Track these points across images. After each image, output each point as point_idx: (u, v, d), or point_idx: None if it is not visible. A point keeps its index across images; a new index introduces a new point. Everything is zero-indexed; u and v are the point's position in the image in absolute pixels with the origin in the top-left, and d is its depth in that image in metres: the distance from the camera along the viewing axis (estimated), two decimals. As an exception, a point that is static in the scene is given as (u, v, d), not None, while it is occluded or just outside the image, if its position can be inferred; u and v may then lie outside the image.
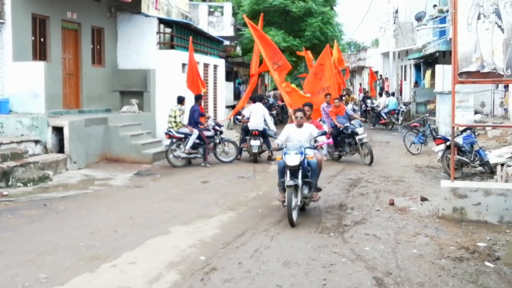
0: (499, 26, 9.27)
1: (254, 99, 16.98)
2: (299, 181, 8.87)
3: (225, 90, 26.30)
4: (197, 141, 15.29)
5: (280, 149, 9.20)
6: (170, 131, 15.41)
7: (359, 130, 15.67)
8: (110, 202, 10.74)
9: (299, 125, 9.39)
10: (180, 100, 15.92)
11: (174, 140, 15.32)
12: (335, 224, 9.03)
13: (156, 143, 16.91)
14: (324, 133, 9.50)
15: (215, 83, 23.78)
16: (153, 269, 6.77)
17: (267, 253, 7.43)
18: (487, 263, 7.05)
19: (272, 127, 16.54)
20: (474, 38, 9.38)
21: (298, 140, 9.22)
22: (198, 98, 16.24)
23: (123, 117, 17.08)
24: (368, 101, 30.70)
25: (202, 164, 15.24)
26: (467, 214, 9.17)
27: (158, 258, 7.19)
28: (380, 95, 31.58)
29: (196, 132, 15.25)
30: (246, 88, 22.09)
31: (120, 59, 18.95)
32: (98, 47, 18.12)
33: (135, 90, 18.60)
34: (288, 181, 8.79)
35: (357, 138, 15.70)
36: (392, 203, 10.44)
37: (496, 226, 8.88)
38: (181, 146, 15.29)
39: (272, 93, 33.69)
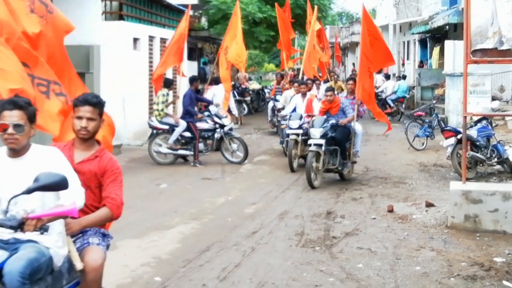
0: (521, -7, 9.38)
1: (216, 80, 17.41)
2: None
3: (188, 71, 26.21)
4: (188, 134, 15.38)
5: None
6: (152, 120, 15.84)
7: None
8: (43, 210, 10.63)
9: (14, 153, 4.50)
10: (167, 83, 16.09)
11: (155, 131, 15.55)
12: (321, 236, 9.08)
13: (101, 137, 16.82)
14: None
15: (174, 62, 23.68)
16: (97, 293, 6.73)
17: (237, 272, 7.44)
18: (505, 283, 7.13)
19: (235, 111, 17.41)
20: (491, 7, 9.47)
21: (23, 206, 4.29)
22: (192, 80, 16.26)
23: (60, 105, 16.91)
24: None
25: (192, 164, 15.29)
26: (482, 223, 9.28)
27: (103, 280, 7.14)
28: (387, 77, 31.54)
29: (183, 124, 15.33)
30: (214, 68, 22.15)
31: (55, 33, 18.73)
32: (28, 17, 17.88)
33: (75, 71, 18.42)
34: None
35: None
36: (391, 210, 10.52)
37: (517, 237, 9.01)
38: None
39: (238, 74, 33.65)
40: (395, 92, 27.91)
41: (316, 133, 12.77)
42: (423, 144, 18.02)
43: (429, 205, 10.75)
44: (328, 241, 8.81)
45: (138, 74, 19.62)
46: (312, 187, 12.45)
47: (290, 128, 14.62)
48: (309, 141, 12.97)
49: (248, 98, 28.88)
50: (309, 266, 7.69)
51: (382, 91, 28.99)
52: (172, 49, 16.80)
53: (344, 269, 7.56)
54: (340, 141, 13.07)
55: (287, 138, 14.96)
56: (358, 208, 10.88)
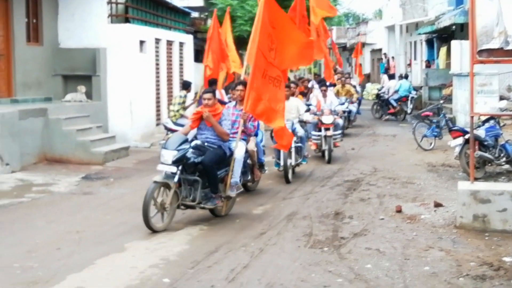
0: (527, -7, 9.37)
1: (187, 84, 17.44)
2: None
3: (194, 73, 26.24)
4: None
5: None
6: (167, 122, 16.03)
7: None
8: (51, 213, 10.67)
9: None
10: (185, 86, 16.14)
11: (170, 133, 15.53)
12: (330, 236, 9.07)
13: (108, 139, 16.82)
14: None
15: (181, 64, 23.74)
16: (105, 295, 6.75)
17: (246, 273, 7.43)
18: (514, 282, 7.13)
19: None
20: (496, 7, 9.47)
21: None
22: (211, 83, 16.15)
23: (67, 108, 16.96)
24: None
25: None
26: (491, 222, 9.26)
27: (112, 282, 7.16)
28: (391, 77, 31.53)
29: None
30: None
31: (62, 36, 18.79)
32: (34, 20, 17.95)
33: (81, 74, 18.46)
34: None
35: None
36: (399, 210, 10.51)
37: (526, 236, 8.98)
38: None
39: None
40: (397, 91, 27.86)
41: (168, 156, 9.57)
42: (431, 144, 17.99)
43: (437, 205, 10.74)
44: (336, 241, 8.80)
45: (144, 76, 19.67)
46: (152, 230, 9.22)
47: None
48: (158, 167, 9.78)
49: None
50: (317, 267, 7.68)
51: (384, 92, 28.97)
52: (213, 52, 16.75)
53: (353, 270, 7.55)
54: (209, 167, 9.79)
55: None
56: (366, 208, 10.87)
